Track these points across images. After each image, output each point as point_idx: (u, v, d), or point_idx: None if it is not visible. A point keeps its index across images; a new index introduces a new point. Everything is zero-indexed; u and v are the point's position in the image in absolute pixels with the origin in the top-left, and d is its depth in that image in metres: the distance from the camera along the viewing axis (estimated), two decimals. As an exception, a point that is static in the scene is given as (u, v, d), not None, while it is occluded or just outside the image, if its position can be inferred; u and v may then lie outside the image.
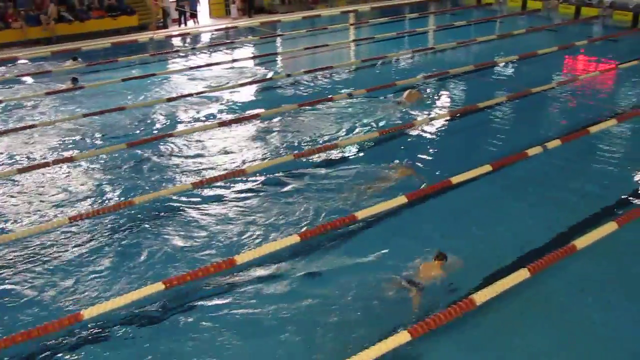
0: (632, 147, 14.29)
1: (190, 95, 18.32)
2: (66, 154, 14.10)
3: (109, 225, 10.82)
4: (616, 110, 16.56)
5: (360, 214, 10.60)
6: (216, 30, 29.04)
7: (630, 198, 11.66)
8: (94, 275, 9.35)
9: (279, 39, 27.28)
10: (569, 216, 10.91)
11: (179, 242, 10.23)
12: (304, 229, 10.36)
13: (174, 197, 11.69)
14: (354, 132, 15.15)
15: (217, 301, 8.72)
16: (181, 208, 11.39)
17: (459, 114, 16.37)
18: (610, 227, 10.12)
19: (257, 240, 10.17)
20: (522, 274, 8.74)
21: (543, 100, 17.85)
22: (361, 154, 13.90)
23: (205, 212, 11.23)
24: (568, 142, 14.04)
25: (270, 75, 20.53)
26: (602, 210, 11.14)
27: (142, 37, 26.96)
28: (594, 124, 15.21)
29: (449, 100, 17.79)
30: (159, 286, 8.63)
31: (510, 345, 8.03)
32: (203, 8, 32.70)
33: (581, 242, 9.67)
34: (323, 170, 12.88)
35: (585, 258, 9.56)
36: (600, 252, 9.72)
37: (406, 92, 17.36)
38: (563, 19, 31.68)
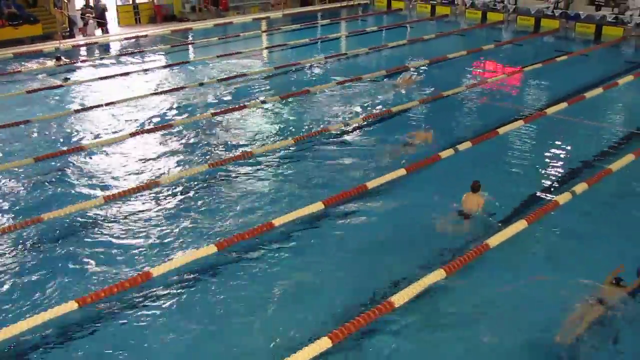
0: (538, 146, 14.90)
1: (100, 106, 17.88)
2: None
3: (17, 244, 10.43)
4: (523, 112, 17.26)
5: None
6: (126, 38, 28.45)
7: (539, 194, 12.21)
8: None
9: (190, 47, 27.00)
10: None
11: (91, 259, 9.97)
12: (220, 239, 10.31)
13: (86, 213, 11.38)
14: (271, 138, 15.19)
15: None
16: (94, 223, 11.10)
17: (371, 119, 16.64)
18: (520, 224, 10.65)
19: (174, 252, 10.05)
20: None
21: (454, 103, 18.41)
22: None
23: (120, 226, 10.99)
24: (477, 144, 14.59)
25: (182, 84, 20.27)
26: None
27: (47, 47, 26.11)
28: (502, 125, 15.83)
29: (362, 105, 18.04)
30: (73, 305, 8.43)
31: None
32: (111, 16, 31.95)
33: (493, 241, 10.10)
34: (244, 178, 12.89)
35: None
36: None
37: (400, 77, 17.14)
38: (470, 23, 32.73)
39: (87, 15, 29.62)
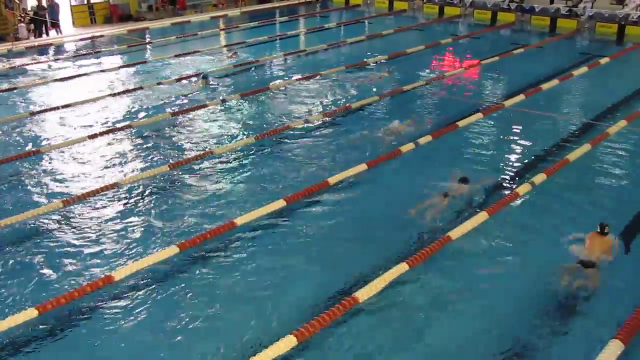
0: (497, 139, 15.10)
1: (57, 108, 17.55)
2: None
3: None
4: (481, 105, 17.47)
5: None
6: (81, 39, 27.98)
7: (499, 186, 12.38)
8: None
9: (148, 47, 26.69)
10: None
11: (51, 265, 9.79)
12: (184, 239, 10.22)
13: (44, 217, 11.18)
14: (232, 137, 15.13)
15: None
16: (52, 228, 10.91)
17: (332, 115, 16.67)
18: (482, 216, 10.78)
19: (136, 254, 9.94)
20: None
21: (413, 97, 18.53)
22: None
23: (80, 230, 10.81)
24: (437, 137, 14.74)
25: (140, 84, 20.03)
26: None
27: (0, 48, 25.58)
28: (461, 118, 16.00)
29: (322, 101, 18.07)
30: (32, 312, 8.27)
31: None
32: (64, 17, 31.37)
33: (455, 233, 10.21)
34: (205, 177, 12.81)
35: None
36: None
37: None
38: (428, 18, 33.02)
39: (42, 16, 29.05)
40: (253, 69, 22.09)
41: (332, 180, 12.34)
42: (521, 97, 17.91)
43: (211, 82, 19.86)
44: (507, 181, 12.69)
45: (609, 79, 21.16)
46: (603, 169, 13.38)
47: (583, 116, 16.83)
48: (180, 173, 13.10)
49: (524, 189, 11.89)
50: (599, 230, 9.78)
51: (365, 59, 22.87)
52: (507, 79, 20.58)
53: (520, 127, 15.74)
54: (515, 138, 15.11)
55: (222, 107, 17.61)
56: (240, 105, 17.87)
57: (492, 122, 16.28)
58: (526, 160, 13.77)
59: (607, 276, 9.30)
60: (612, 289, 9.20)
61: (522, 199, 11.68)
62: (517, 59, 23.45)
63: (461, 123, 15.75)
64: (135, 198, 11.99)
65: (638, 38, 27.08)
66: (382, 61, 22.70)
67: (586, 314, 8.70)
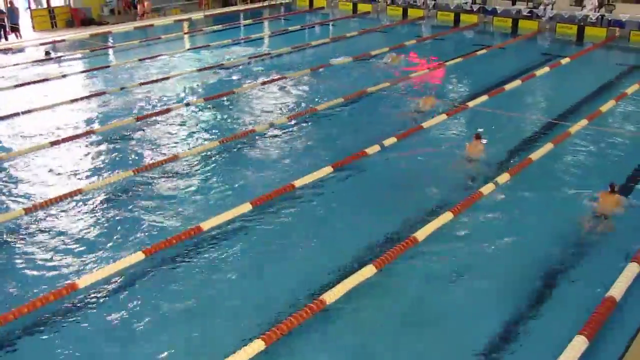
0: (462, 139, 15.20)
1: (17, 114, 17.24)
2: None
3: None
4: (446, 105, 17.58)
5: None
6: (42, 44, 27.51)
7: (464, 185, 12.50)
8: None
9: (111, 51, 26.39)
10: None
11: (13, 274, 9.62)
12: (149, 245, 10.11)
13: (5, 226, 10.97)
14: (197, 141, 15.03)
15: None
16: (14, 236, 10.71)
17: (297, 118, 16.65)
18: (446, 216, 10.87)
19: (100, 261, 9.80)
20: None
21: (379, 99, 18.60)
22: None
23: (42, 238, 10.63)
24: (402, 139, 14.83)
25: (103, 88, 19.78)
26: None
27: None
28: (427, 120, 16.12)
29: (288, 104, 18.06)
30: (-7, 322, 8.12)
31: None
32: (24, 21, 30.86)
33: (421, 234, 10.28)
34: (170, 182, 12.70)
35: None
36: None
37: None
38: (392, 20, 33.21)
39: (1, 20, 28.56)
40: (217, 72, 21.96)
41: (298, 183, 12.32)
42: (485, 97, 18.11)
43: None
44: (471, 180, 12.82)
45: (570, 78, 21.50)
46: (565, 167, 13.60)
47: (546, 115, 17.07)
48: (145, 178, 12.96)
49: (488, 188, 12.02)
50: (609, 189, 11.40)
51: (329, 61, 22.90)
52: (471, 79, 20.78)
53: (484, 127, 15.84)
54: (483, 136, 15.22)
55: (187, 111, 17.49)
56: (204, 109, 17.76)
57: (457, 123, 16.42)
58: (490, 160, 13.89)
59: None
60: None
61: (487, 199, 11.79)
62: (480, 59, 23.72)
63: (426, 124, 15.86)
64: (100, 204, 11.83)
65: (597, 38, 27.62)
66: (349, 63, 22.77)
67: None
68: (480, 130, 14.40)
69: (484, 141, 14.01)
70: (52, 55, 24.75)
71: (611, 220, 11.07)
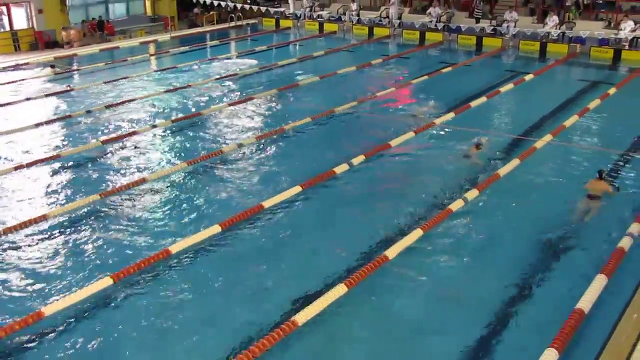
0: (430, 157, 15.33)
1: (-20, 139, 16.97)
2: None
3: None
4: (413, 123, 17.71)
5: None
6: (4, 68, 27.15)
7: (433, 202, 12.57)
8: None
9: (76, 74, 26.15)
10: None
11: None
12: (121, 268, 9.97)
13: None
14: (164, 164, 14.92)
15: None
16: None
17: (265, 138, 16.65)
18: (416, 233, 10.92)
19: (67, 288, 9.63)
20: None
21: (346, 118, 18.69)
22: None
23: (6, 265, 10.42)
24: (371, 157, 14.90)
25: (68, 112, 19.54)
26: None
27: None
28: (394, 137, 16.21)
29: (255, 125, 18.06)
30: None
31: None
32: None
33: (391, 253, 10.29)
34: (137, 206, 12.56)
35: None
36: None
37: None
38: (358, 39, 33.45)
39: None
40: (184, 94, 21.87)
41: (266, 204, 12.29)
42: (451, 114, 18.30)
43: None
44: (439, 197, 12.88)
45: (534, 94, 21.85)
46: (532, 183, 13.78)
47: (511, 132, 17.28)
48: (112, 202, 12.81)
49: (457, 204, 12.11)
50: (597, 176, 12.86)
51: (297, 81, 22.98)
52: (437, 97, 20.97)
53: (451, 144, 16.01)
54: (446, 155, 15.33)
55: (154, 134, 17.37)
56: (171, 131, 17.65)
57: (426, 140, 16.54)
58: (458, 177, 14.00)
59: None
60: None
61: (456, 215, 11.87)
62: (446, 77, 24.00)
63: (394, 142, 15.96)
64: (65, 230, 11.65)
65: (559, 55, 28.17)
66: (315, 83, 22.88)
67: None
68: (476, 140, 15.48)
69: (482, 149, 15.03)
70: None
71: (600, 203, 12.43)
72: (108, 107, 20.00)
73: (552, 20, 29.60)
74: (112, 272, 9.86)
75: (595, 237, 11.30)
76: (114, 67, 27.17)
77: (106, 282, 9.57)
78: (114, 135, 17.12)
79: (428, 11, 33.45)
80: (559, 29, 29.48)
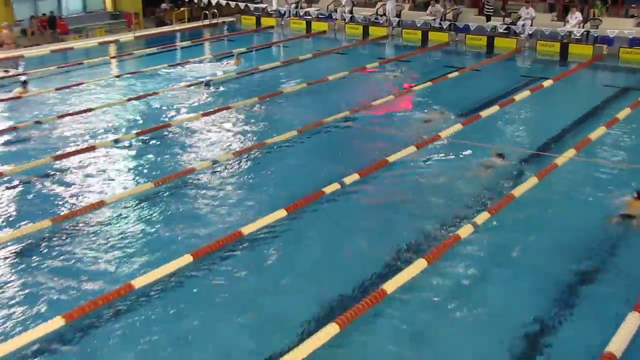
0: (434, 176, 15.36)
1: None
2: None
3: None
4: (414, 137, 17.75)
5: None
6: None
7: (439, 228, 12.59)
8: None
9: (23, 79, 26.08)
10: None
11: None
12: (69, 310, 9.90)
13: None
14: (126, 183, 14.89)
15: None
16: None
17: (243, 154, 16.65)
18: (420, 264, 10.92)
19: (17, 327, 9.55)
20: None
21: (338, 130, 18.74)
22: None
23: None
24: (366, 175, 14.93)
25: (13, 123, 19.49)
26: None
27: None
28: (393, 153, 16.25)
29: (233, 138, 18.07)
30: None
31: None
32: None
33: (389, 286, 10.28)
34: (96, 232, 12.50)
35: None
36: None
37: None
38: (351, 40, 33.67)
39: None
40: (150, 102, 21.88)
41: (245, 230, 12.27)
42: (458, 126, 18.38)
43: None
44: (449, 221, 12.90)
45: (554, 103, 21.99)
46: (552, 204, 13.83)
47: (527, 146, 17.34)
48: (66, 227, 12.74)
49: (466, 230, 12.13)
50: (636, 195, 13.45)
51: (281, 88, 23.06)
52: (442, 106, 21.08)
53: (458, 161, 16.06)
54: (453, 174, 15.37)
55: (115, 148, 17.33)
56: (136, 145, 17.63)
57: (428, 156, 16.59)
58: (468, 198, 14.03)
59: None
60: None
61: (467, 241, 11.89)
62: (452, 83, 24.17)
63: (392, 158, 15.99)
64: (10, 261, 11.57)
65: (582, 57, 28.39)
66: (302, 90, 22.96)
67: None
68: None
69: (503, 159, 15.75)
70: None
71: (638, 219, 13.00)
72: (61, 117, 19.96)
73: (575, 17, 29.87)
74: (64, 311, 9.77)
75: (627, 268, 11.33)
76: (67, 71, 27.19)
77: (57, 322, 9.47)
78: (67, 150, 17.06)
79: (428, 10, 33.71)
80: (583, 27, 29.74)
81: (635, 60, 27.97)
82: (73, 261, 11.55)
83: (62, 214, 13.27)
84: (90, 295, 10.30)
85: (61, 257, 11.69)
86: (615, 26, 29.11)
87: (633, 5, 31.91)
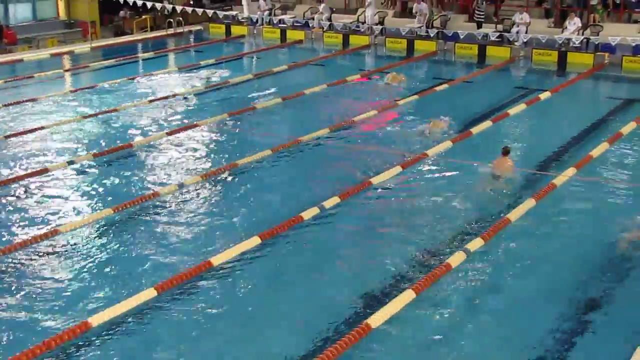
0: (421, 199, 15.43)
1: None
2: None
3: None
4: (400, 156, 17.81)
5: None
6: None
7: (430, 255, 12.64)
8: None
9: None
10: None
11: None
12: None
13: None
14: (83, 210, 14.82)
15: None
16: None
17: (212, 176, 16.66)
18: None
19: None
20: None
21: (316, 149, 18.78)
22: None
23: None
24: (347, 199, 14.97)
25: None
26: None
27: None
28: (377, 174, 16.30)
29: (200, 160, 18.07)
30: None
31: None
32: None
33: (374, 321, 10.28)
34: (50, 264, 12.42)
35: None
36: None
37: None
38: (330, 50, 33.82)
39: None
40: (109, 120, 21.83)
41: (215, 260, 12.25)
42: (448, 144, 18.49)
43: None
44: (437, 249, 12.95)
45: (552, 117, 22.21)
46: (552, 230, 13.95)
47: (524, 165, 17.46)
48: (12, 261, 12.63)
49: (457, 259, 12.17)
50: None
51: (253, 104, 23.11)
52: (430, 122, 21.21)
53: (449, 184, 16.13)
54: (444, 196, 15.44)
55: (70, 171, 17.26)
56: (93, 167, 17.57)
57: (416, 177, 16.67)
58: (460, 223, 14.10)
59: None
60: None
61: (457, 269, 11.95)
62: (440, 96, 24.33)
63: (376, 180, 16.05)
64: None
65: (582, 67, 28.64)
66: (277, 105, 23.03)
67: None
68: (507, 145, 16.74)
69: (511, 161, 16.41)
70: None
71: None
72: (8, 137, 19.85)
73: (573, 23, 30.17)
74: (13, 354, 9.71)
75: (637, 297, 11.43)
76: (16, 85, 27.06)
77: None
78: (17, 173, 16.98)
79: (414, 9, 33.73)
80: (582, 34, 30.01)
81: (639, 69, 28.23)
82: (19, 302, 11.38)
83: (8, 245, 13.14)
84: (43, 336, 10.21)
85: (9, 294, 11.58)
86: (617, 33, 29.33)
87: (636, 10, 32.19)
